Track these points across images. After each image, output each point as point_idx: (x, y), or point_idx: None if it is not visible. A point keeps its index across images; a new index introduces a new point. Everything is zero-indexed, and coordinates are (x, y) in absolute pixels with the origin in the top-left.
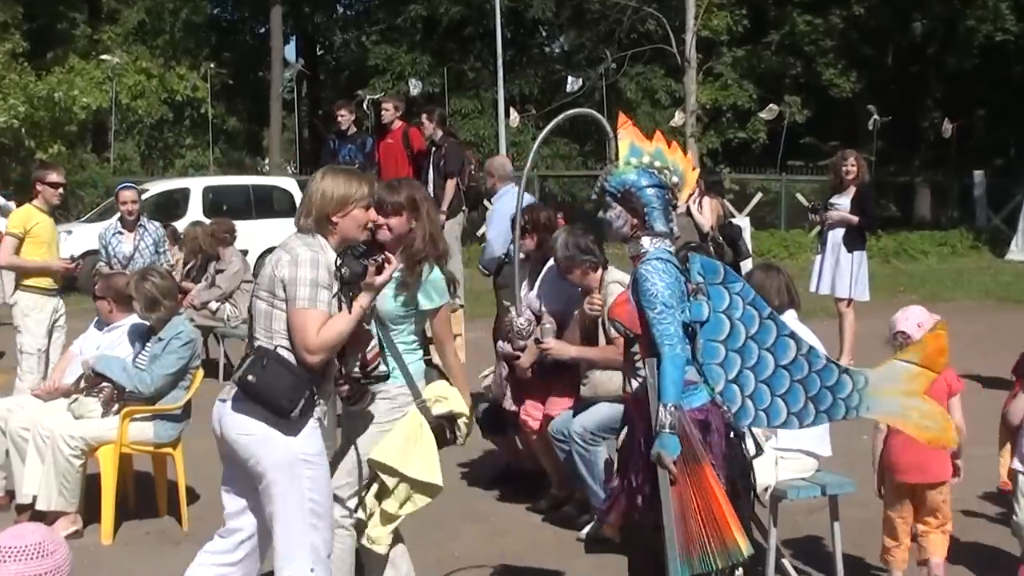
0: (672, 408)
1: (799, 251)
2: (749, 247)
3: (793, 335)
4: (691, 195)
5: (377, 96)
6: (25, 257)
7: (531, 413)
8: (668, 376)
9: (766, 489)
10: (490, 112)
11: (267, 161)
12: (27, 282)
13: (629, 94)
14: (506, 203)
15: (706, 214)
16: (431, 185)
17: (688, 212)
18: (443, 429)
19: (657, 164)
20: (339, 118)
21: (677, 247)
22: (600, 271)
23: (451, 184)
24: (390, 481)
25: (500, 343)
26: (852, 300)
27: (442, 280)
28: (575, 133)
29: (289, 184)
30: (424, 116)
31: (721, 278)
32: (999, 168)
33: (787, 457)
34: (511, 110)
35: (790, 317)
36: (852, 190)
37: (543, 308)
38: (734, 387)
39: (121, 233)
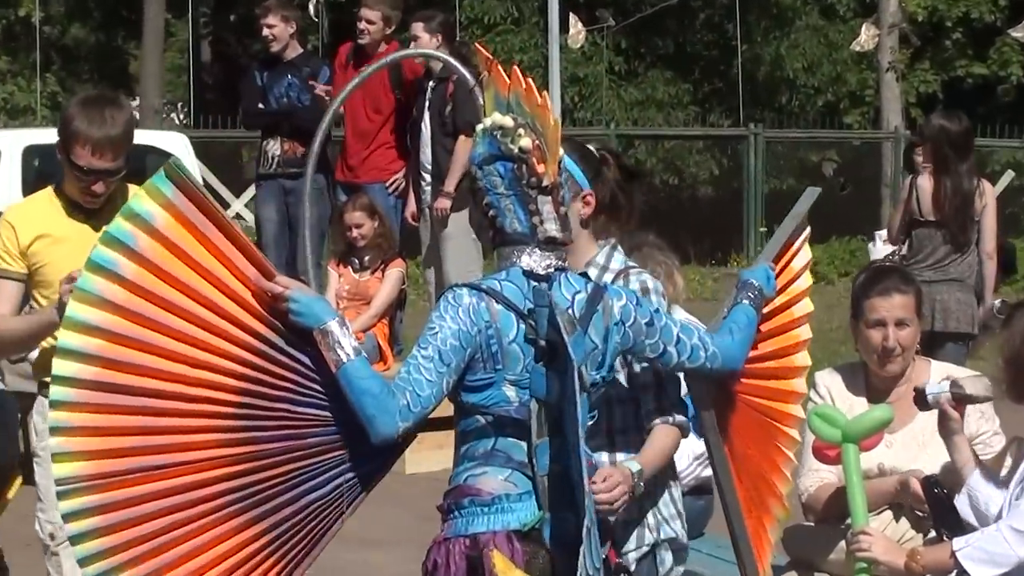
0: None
1: None
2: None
3: None
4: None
5: None
6: None
7: None
8: (367, 397)
9: None
10: (534, 23)
11: (137, 102)
12: None
13: None
14: None
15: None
16: (428, 144)
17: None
18: None
19: (507, 122)
20: (266, 30)
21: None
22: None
23: (463, 144)
24: None
25: None
26: None
27: None
28: (681, 63)
29: (175, 143)
30: (420, 27)
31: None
32: None
33: None
34: (571, 19)
35: None
36: None
37: None
38: None
39: None
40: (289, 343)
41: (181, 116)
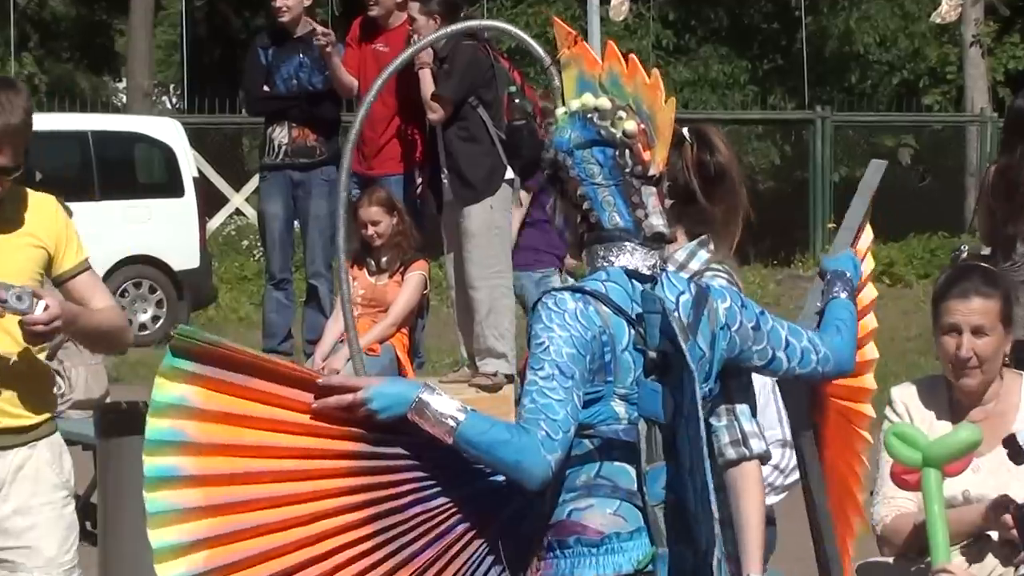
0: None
1: None
2: None
3: None
4: None
5: None
6: None
7: None
8: (501, 447)
9: None
10: None
11: (124, 84)
12: None
13: None
14: None
15: None
16: (439, 133)
17: None
18: None
19: (604, 103)
20: (279, 1)
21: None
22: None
23: (430, 106)
24: None
25: None
26: None
27: None
28: (737, 37)
29: (167, 129)
30: (416, 7)
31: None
32: None
33: None
34: None
35: None
36: None
37: None
38: None
39: None
40: (382, 443)
41: (173, 99)
